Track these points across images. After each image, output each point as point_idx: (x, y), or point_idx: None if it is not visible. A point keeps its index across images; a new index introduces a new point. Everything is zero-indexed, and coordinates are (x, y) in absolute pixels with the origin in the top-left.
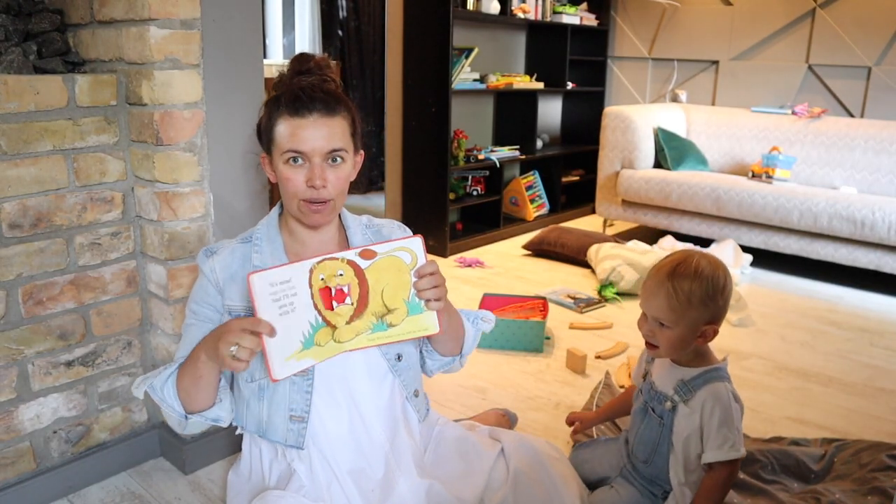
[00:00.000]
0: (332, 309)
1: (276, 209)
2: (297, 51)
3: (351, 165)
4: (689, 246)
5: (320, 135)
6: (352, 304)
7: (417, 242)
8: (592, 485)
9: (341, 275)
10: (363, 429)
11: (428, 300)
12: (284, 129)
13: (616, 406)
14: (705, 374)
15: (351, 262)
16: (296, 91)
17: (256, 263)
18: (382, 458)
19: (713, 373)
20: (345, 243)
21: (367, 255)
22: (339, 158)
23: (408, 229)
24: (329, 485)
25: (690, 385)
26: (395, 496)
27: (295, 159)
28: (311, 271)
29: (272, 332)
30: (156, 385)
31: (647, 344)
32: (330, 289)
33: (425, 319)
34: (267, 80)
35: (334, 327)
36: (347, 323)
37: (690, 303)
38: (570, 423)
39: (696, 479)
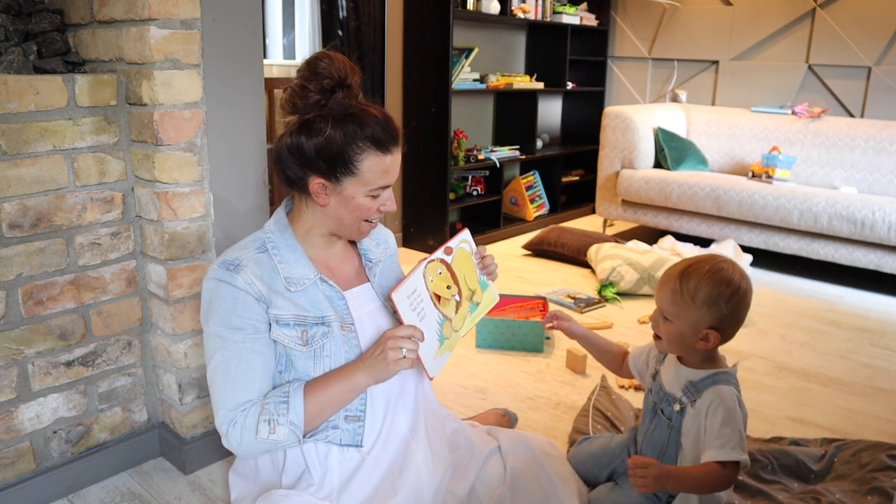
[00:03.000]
0: (440, 303)
1: (281, 216)
2: (297, 51)
3: None
4: (688, 246)
5: (398, 167)
6: (453, 294)
7: (468, 234)
8: (591, 483)
9: (440, 273)
10: (391, 421)
11: (491, 273)
12: (376, 165)
13: (603, 348)
14: (713, 377)
15: (443, 261)
16: (377, 126)
17: (286, 275)
18: (404, 445)
19: (721, 376)
20: (354, 245)
21: (448, 251)
22: None
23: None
24: (350, 480)
25: (698, 386)
26: (411, 468)
27: (379, 193)
28: (423, 276)
29: (422, 337)
30: (295, 422)
31: (654, 335)
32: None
33: (492, 291)
34: (267, 80)
35: (450, 319)
36: (456, 312)
37: (693, 301)
38: (548, 320)
39: None
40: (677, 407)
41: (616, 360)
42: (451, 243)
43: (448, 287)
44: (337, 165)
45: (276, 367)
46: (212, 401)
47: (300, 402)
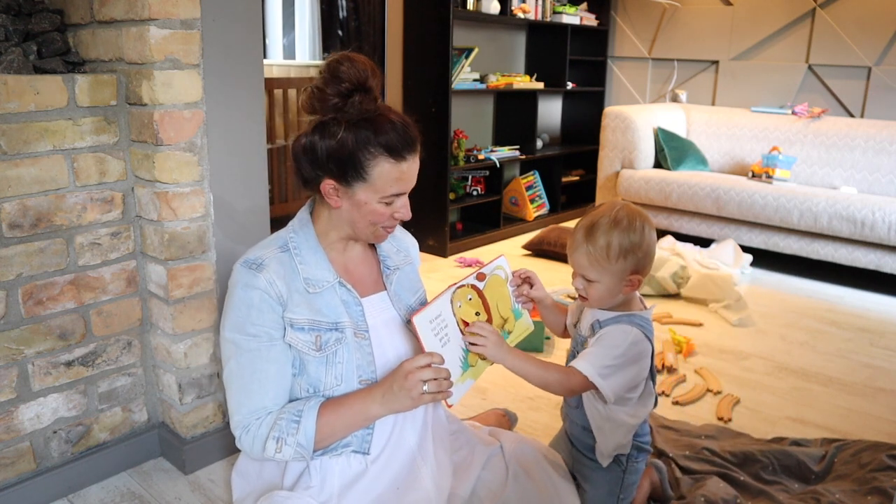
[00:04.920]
0: (468, 329)
1: (304, 216)
2: (297, 51)
3: None
4: (688, 246)
5: (415, 174)
6: (483, 321)
7: (505, 261)
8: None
9: (470, 299)
10: (399, 432)
11: (526, 303)
12: (388, 172)
13: (554, 312)
14: (620, 317)
15: (474, 286)
16: (392, 132)
17: (306, 276)
18: (410, 459)
19: (625, 318)
20: (373, 249)
21: (481, 277)
22: None
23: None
24: (351, 486)
25: (603, 323)
26: (418, 484)
27: (393, 200)
28: (451, 301)
29: (442, 362)
30: (303, 444)
31: (580, 296)
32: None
33: (526, 320)
34: (267, 80)
35: None
36: None
37: (609, 257)
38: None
39: (613, 420)
40: (586, 345)
41: (562, 324)
42: (486, 269)
43: (477, 314)
44: (348, 170)
45: (291, 371)
46: (227, 403)
47: (312, 424)
